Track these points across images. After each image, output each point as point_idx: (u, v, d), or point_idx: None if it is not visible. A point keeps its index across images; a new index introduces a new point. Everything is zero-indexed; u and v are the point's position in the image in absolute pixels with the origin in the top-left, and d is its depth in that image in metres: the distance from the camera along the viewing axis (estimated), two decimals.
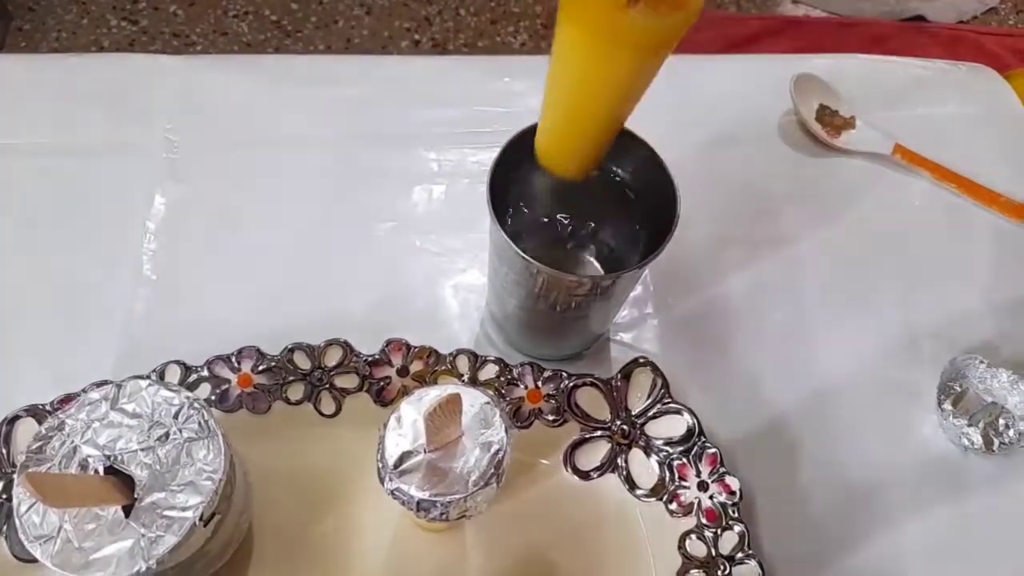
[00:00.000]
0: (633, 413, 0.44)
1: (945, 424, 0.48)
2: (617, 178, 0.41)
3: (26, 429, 0.40)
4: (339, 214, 0.52)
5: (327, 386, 0.43)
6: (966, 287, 0.53)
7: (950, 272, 0.53)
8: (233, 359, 0.43)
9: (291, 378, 0.43)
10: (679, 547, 0.42)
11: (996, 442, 0.47)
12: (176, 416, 0.34)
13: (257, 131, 0.55)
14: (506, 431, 0.33)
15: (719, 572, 0.40)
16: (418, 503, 0.31)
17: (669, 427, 0.43)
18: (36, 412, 0.40)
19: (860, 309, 0.52)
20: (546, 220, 0.46)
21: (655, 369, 0.44)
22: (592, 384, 0.44)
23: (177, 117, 0.54)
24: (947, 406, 0.48)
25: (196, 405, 0.34)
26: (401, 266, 0.51)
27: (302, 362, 0.43)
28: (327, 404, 0.43)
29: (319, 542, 0.41)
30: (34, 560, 0.39)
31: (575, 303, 0.41)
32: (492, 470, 0.32)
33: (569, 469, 0.44)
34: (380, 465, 0.32)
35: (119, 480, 0.33)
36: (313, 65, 0.61)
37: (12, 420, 0.40)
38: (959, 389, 0.49)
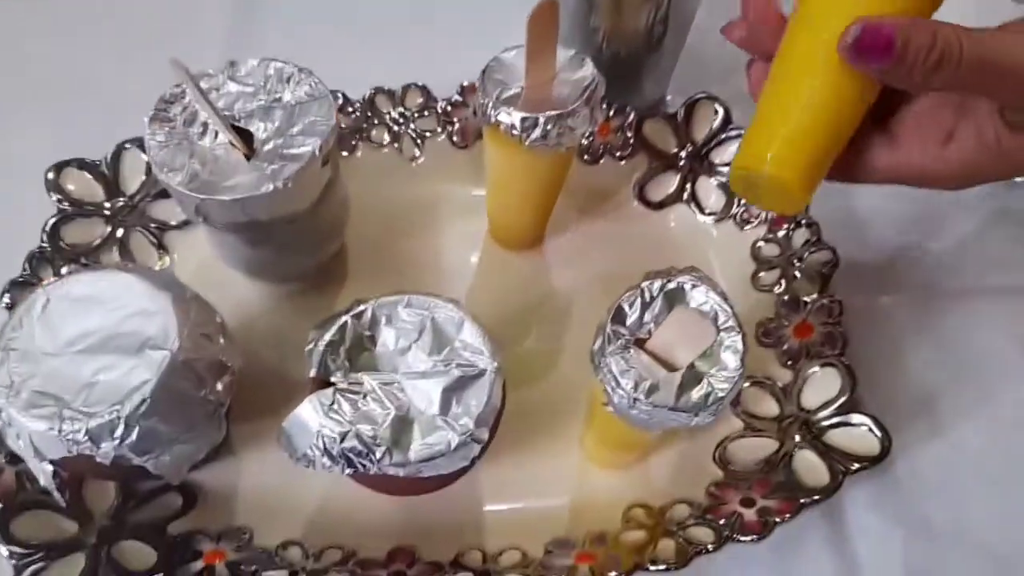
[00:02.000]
0: (699, 142, 0.46)
1: None
2: None
3: (132, 158, 0.43)
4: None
5: (408, 130, 0.46)
6: None
7: None
8: None
9: (376, 121, 0.45)
10: (752, 255, 0.44)
11: None
12: (288, 81, 0.36)
13: None
14: (598, 72, 0.35)
15: (793, 263, 0.42)
16: (521, 121, 0.33)
17: (734, 151, 0.45)
18: (140, 142, 0.42)
19: None
20: None
21: (716, 100, 0.46)
22: (658, 116, 0.46)
23: None
24: None
25: (306, 71, 0.36)
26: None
27: (383, 105, 0.46)
28: (408, 147, 0.46)
29: (406, 255, 0.44)
30: None
31: (637, 45, 0.44)
32: (586, 98, 0.34)
33: (639, 201, 0.46)
34: (483, 101, 0.35)
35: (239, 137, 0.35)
36: None
37: (118, 151, 0.43)
38: None
